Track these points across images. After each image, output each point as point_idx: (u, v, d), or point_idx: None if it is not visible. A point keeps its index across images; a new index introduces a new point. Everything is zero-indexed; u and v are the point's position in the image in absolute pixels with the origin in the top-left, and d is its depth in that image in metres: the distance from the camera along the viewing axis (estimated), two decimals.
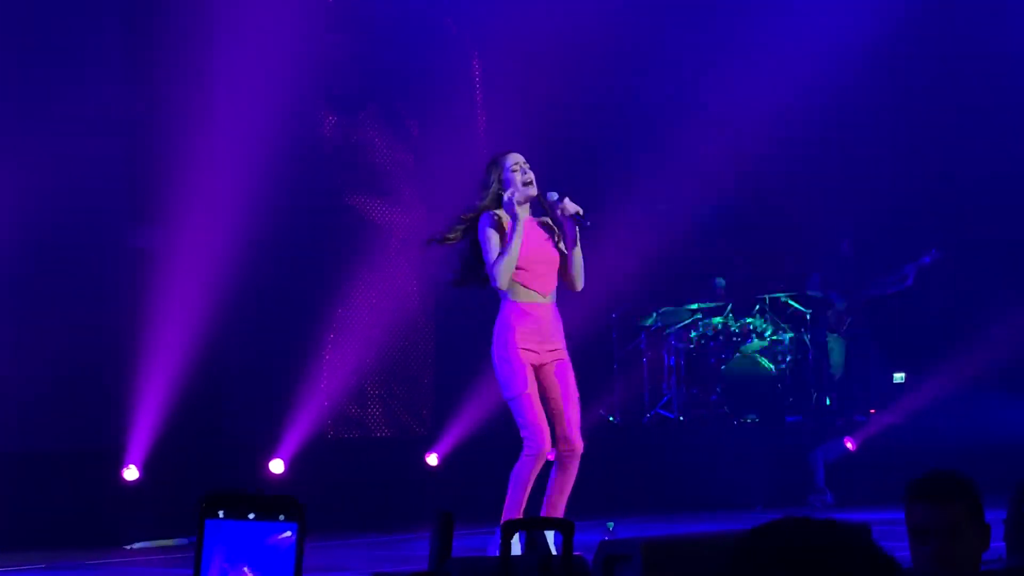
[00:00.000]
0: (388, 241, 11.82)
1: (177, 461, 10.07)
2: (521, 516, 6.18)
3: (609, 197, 11.34)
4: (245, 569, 2.00)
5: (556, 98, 12.30)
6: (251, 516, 2.01)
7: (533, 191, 6.41)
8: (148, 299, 10.17)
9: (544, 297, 6.41)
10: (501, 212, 6.39)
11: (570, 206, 6.41)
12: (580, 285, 6.55)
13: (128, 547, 9.27)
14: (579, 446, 6.39)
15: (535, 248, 6.41)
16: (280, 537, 2.02)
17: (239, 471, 10.41)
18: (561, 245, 6.48)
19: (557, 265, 6.47)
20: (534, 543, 5.23)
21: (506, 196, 6.33)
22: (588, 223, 6.40)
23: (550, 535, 5.53)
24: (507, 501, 6.29)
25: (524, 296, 6.38)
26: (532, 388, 6.33)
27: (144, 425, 9.93)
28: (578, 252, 6.48)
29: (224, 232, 10.46)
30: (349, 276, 11.50)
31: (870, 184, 13.49)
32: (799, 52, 13.21)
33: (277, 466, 10.53)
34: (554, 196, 6.45)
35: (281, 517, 2.02)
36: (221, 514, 2.00)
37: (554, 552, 5.06)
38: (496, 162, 6.49)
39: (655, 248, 12.80)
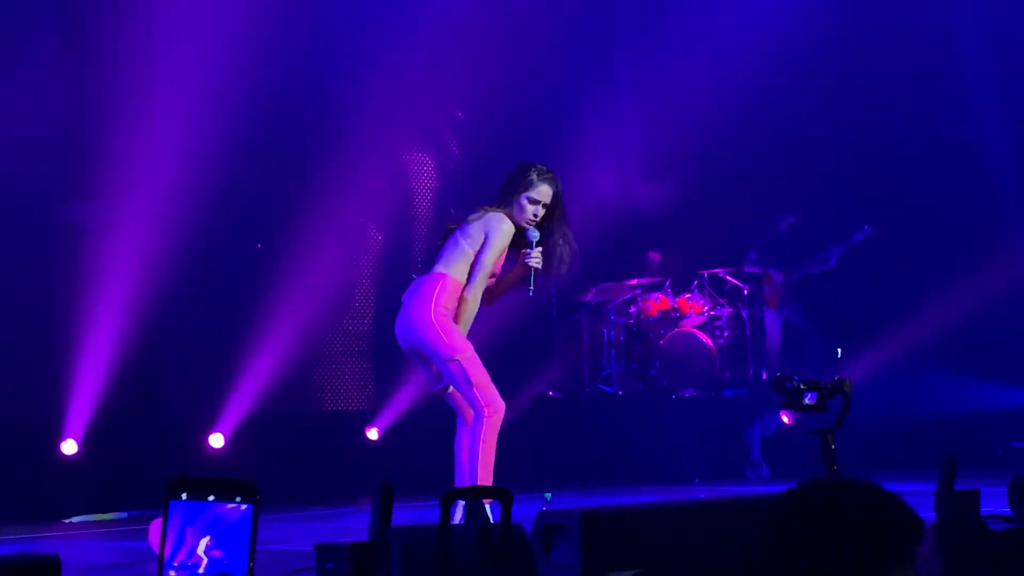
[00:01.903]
0: (328, 216, 11.80)
1: (116, 435, 10.02)
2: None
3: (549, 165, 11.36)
4: (206, 541, 2.19)
5: (494, 79, 12.31)
6: (211, 498, 2.21)
7: (529, 240, 6.37)
8: (85, 274, 10.11)
9: (478, 305, 6.39)
10: (510, 224, 6.34)
11: (533, 259, 6.37)
12: (490, 305, 6.57)
13: (66, 521, 9.24)
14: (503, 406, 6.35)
15: (501, 261, 6.44)
16: (237, 515, 2.20)
17: (179, 445, 10.38)
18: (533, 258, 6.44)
19: (497, 277, 6.49)
20: (474, 512, 5.28)
21: (531, 254, 6.34)
22: (531, 291, 6.37)
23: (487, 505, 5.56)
24: (480, 472, 6.13)
25: (468, 291, 6.36)
26: (471, 347, 6.30)
27: (82, 399, 9.88)
28: (511, 285, 6.50)
29: (161, 207, 10.41)
30: (289, 251, 11.48)
31: (807, 161, 13.62)
32: (737, 30, 13.31)
33: (217, 440, 10.52)
34: (535, 236, 6.39)
35: (238, 499, 2.22)
36: (184, 496, 2.21)
37: (492, 521, 5.11)
38: (528, 178, 6.40)
39: (595, 224, 12.87)
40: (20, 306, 10.08)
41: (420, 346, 6.33)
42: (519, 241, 6.44)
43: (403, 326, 6.39)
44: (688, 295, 12.93)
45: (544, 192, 6.37)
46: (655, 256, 13.49)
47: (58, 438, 9.81)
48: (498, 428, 6.22)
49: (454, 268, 6.34)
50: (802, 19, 13.33)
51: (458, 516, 5.77)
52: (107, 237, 10.23)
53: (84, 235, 10.31)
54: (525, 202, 6.34)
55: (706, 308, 12.90)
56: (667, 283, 13.08)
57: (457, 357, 6.21)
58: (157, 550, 6.80)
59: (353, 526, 7.83)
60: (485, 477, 6.11)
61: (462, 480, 6.17)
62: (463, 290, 6.31)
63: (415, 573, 3.72)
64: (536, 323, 12.64)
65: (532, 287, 6.35)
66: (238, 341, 11.10)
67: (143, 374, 10.39)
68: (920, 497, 4.46)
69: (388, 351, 11.76)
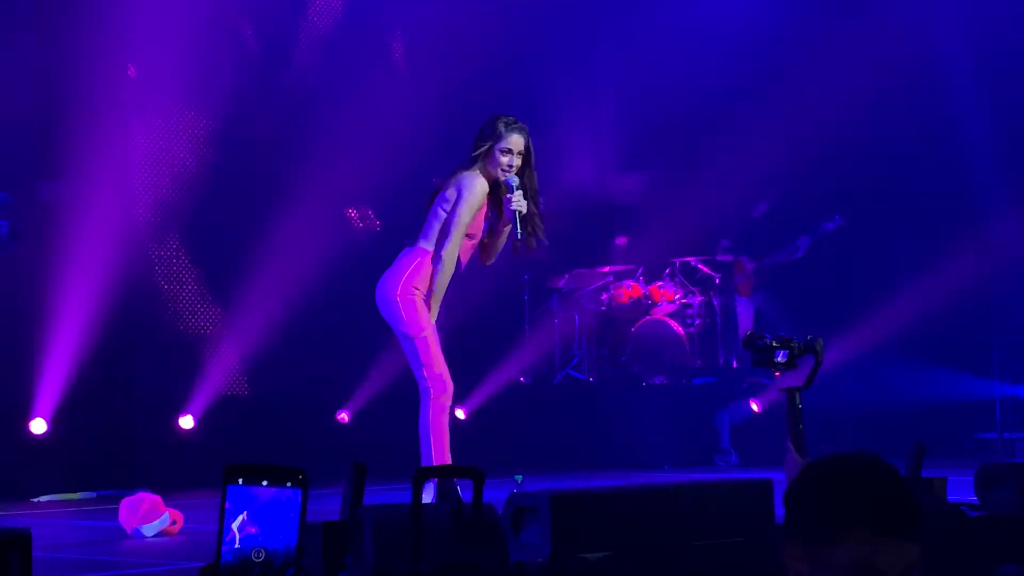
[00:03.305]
0: (303, 197, 11.78)
1: (85, 415, 9.99)
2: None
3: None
4: (241, 517, 2.36)
5: (469, 65, 12.31)
6: (264, 483, 2.36)
7: (509, 186, 6.33)
8: (55, 253, 10.06)
9: (456, 269, 6.38)
10: (483, 177, 6.32)
11: (516, 203, 6.34)
12: (489, 262, 6.59)
13: (35, 500, 9.21)
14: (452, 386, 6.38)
15: (479, 217, 6.38)
16: (281, 497, 2.37)
17: (148, 426, 10.36)
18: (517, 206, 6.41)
19: (477, 240, 6.46)
20: (446, 491, 5.30)
21: (511, 198, 6.31)
22: (519, 235, 6.35)
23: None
24: (434, 453, 6.15)
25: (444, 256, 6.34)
26: (434, 330, 6.33)
27: (52, 378, 9.84)
28: (504, 238, 6.47)
29: (132, 186, 10.37)
30: (260, 233, 11.46)
31: (779, 150, 13.67)
32: (708, 13, 13.34)
33: (187, 422, 10.50)
34: (514, 182, 6.36)
35: (289, 484, 2.37)
36: (240, 481, 2.36)
37: (464, 501, 5.12)
38: (498, 130, 6.37)
39: (568, 211, 12.89)
40: None
41: (384, 316, 6.41)
42: (498, 197, 6.42)
43: (377, 294, 6.46)
44: (660, 283, 12.97)
45: (516, 141, 6.38)
46: (621, 240, 13.52)
47: (27, 417, 9.77)
48: (446, 408, 6.27)
49: (433, 242, 6.36)
50: (775, 9, 13.37)
51: (429, 495, 5.78)
52: (78, 216, 10.18)
53: (55, 213, 10.26)
54: (498, 153, 6.35)
55: (678, 296, 12.94)
56: (639, 271, 13.12)
57: (412, 335, 6.27)
58: (128, 530, 6.76)
59: (325, 508, 7.83)
60: (440, 456, 6.13)
61: (425, 461, 6.20)
62: (438, 249, 6.30)
63: (387, 551, 3.74)
64: (508, 309, 12.67)
65: (520, 231, 6.34)
66: (210, 322, 11.08)
67: (113, 353, 10.35)
68: None
69: (359, 333, 11.76)
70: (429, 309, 6.33)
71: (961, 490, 5.78)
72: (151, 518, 6.60)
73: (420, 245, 6.37)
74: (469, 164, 6.39)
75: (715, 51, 13.18)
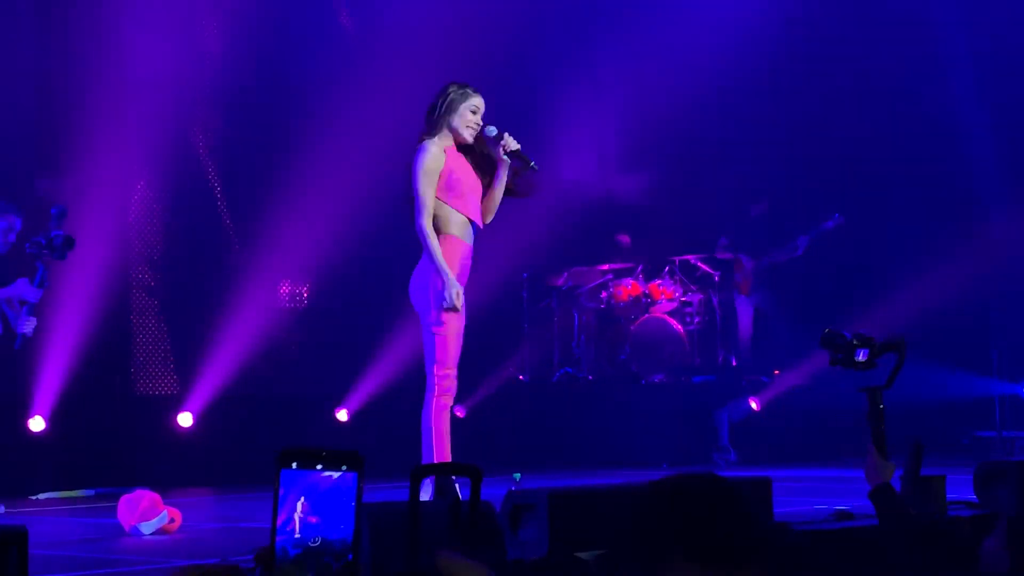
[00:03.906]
0: (300, 193, 11.77)
1: (84, 412, 9.99)
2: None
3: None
4: (300, 505, 2.30)
5: (470, 64, 12.30)
6: (319, 467, 2.30)
7: (490, 136, 6.30)
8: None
9: (473, 231, 6.32)
10: (439, 143, 6.28)
11: (512, 143, 6.32)
12: (489, 219, 6.46)
13: (34, 497, 9.20)
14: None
15: (464, 177, 6.30)
16: (338, 483, 2.30)
17: (147, 424, 10.36)
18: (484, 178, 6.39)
19: (480, 194, 6.39)
20: (443, 489, 5.29)
21: (498, 136, 6.27)
22: (534, 165, 6.34)
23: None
24: (435, 450, 6.13)
25: (459, 230, 6.28)
26: (459, 332, 6.28)
27: (51, 376, 9.84)
28: (501, 189, 6.41)
29: (132, 183, 10.36)
30: (260, 230, 11.45)
31: (778, 148, 13.67)
32: (709, 13, 13.33)
33: (186, 419, 10.49)
34: (492, 131, 6.33)
35: (344, 467, 2.30)
36: (295, 465, 2.29)
37: (462, 498, 5.12)
38: (463, 91, 6.31)
39: (568, 209, 12.89)
40: None
41: (414, 304, 6.34)
42: (483, 153, 6.37)
43: (412, 281, 6.37)
44: (659, 281, 12.96)
45: (480, 102, 6.35)
46: (624, 239, 13.50)
47: (25, 414, 9.76)
48: (447, 407, 6.25)
49: (447, 226, 6.29)
50: (775, 7, 13.36)
51: (427, 493, 5.77)
52: (79, 211, 10.16)
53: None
54: (468, 113, 6.31)
55: (677, 294, 12.93)
56: (639, 269, 13.11)
57: (435, 330, 6.23)
58: (126, 528, 6.75)
59: None
60: (440, 454, 6.11)
61: (425, 458, 6.19)
62: (415, 225, 6.27)
63: (384, 548, 3.73)
64: (507, 306, 12.66)
65: (533, 162, 6.32)
66: (209, 320, 11.07)
67: (113, 351, 10.35)
68: (889, 483, 4.50)
69: (358, 332, 11.77)
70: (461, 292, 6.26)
71: (960, 488, 5.78)
72: (150, 516, 6.59)
73: (440, 233, 6.28)
74: (428, 133, 6.32)
75: (714, 51, 13.17)
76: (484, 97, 6.40)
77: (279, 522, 2.27)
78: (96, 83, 10.34)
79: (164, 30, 10.69)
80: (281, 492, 2.28)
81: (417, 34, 12.10)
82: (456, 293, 6.15)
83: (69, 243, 7.79)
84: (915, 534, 4.18)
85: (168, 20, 10.71)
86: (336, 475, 2.31)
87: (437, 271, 6.18)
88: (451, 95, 6.30)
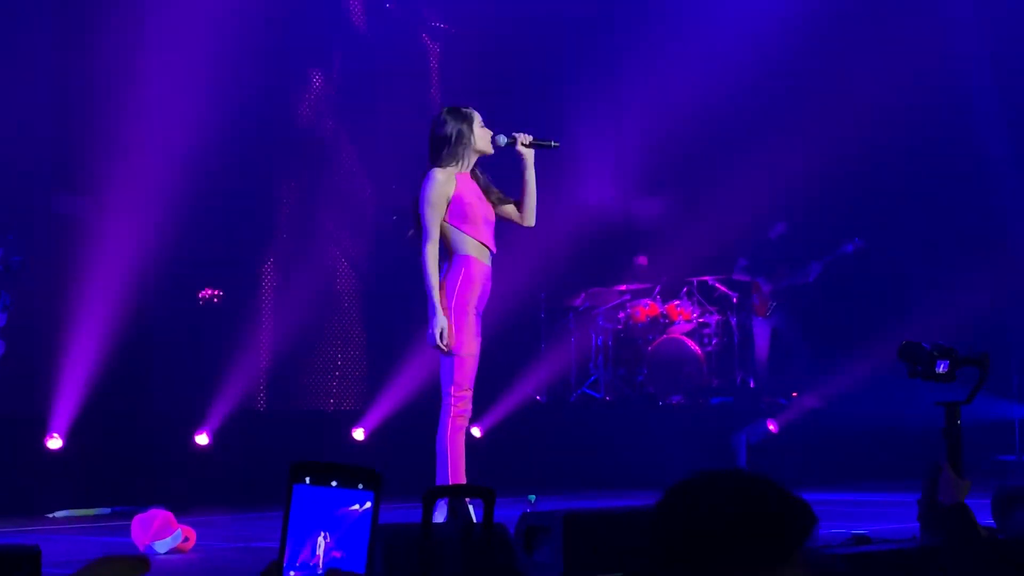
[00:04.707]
0: (319, 212, 11.79)
1: (101, 431, 9.98)
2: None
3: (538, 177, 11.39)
4: (324, 535, 2.14)
5: (488, 84, 12.33)
6: (333, 483, 2.15)
7: (502, 144, 6.36)
8: (74, 266, 10.07)
9: (490, 254, 6.33)
10: (448, 171, 6.28)
11: (525, 137, 6.37)
12: (533, 219, 6.48)
13: (49, 516, 9.20)
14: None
15: (476, 203, 6.31)
16: (358, 513, 2.14)
17: (164, 442, 10.35)
18: (494, 198, 6.41)
19: (494, 223, 6.40)
20: (457, 511, 5.27)
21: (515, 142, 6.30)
22: (555, 143, 6.37)
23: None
24: (450, 472, 6.11)
25: (476, 251, 6.28)
26: (474, 354, 6.27)
27: (68, 394, 9.83)
28: (533, 185, 6.41)
29: (152, 200, 10.37)
30: (278, 247, 11.46)
31: (798, 170, 13.64)
32: (727, 35, 13.33)
33: (203, 438, 10.49)
34: (503, 140, 6.36)
35: (360, 485, 2.15)
36: (308, 480, 2.15)
37: (475, 520, 5.10)
38: (466, 112, 6.35)
39: (585, 230, 12.88)
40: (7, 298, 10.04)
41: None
42: (487, 189, 6.40)
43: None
44: (677, 302, 12.93)
45: (478, 115, 6.40)
46: (642, 260, 13.48)
47: (43, 432, 9.76)
48: (463, 429, 6.24)
49: (459, 247, 6.32)
50: (793, 27, 13.35)
51: (442, 515, 5.76)
52: (97, 229, 10.20)
53: (73, 227, 10.28)
54: (480, 130, 6.35)
55: (695, 315, 12.89)
56: (656, 289, 13.08)
57: (452, 352, 6.22)
58: (140, 547, 6.75)
59: None
60: (455, 475, 6.10)
61: (440, 479, 6.17)
62: (453, 246, 6.28)
63: (397, 571, 3.71)
64: (524, 327, 12.63)
65: (552, 141, 6.40)
66: (227, 338, 11.07)
67: (130, 369, 10.35)
68: (904, 508, 4.46)
69: (376, 350, 11.76)
70: (474, 308, 6.26)
71: (978, 513, 5.73)
72: (163, 535, 6.59)
73: (456, 254, 6.34)
74: (440, 163, 6.32)
75: (733, 71, 13.16)
76: (503, 117, 6.46)
77: (301, 559, 2.17)
78: (116, 95, 10.36)
79: (184, 38, 10.71)
80: (292, 509, 2.16)
81: (438, 58, 12.14)
82: (441, 332, 6.13)
83: (23, 266, 7.81)
84: (984, 557, 4.10)
85: (189, 27, 10.73)
86: (352, 493, 2.23)
87: (431, 301, 6.18)
88: (457, 125, 6.32)
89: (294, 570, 2.12)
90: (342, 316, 12.12)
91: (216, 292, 11.19)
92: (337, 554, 2.13)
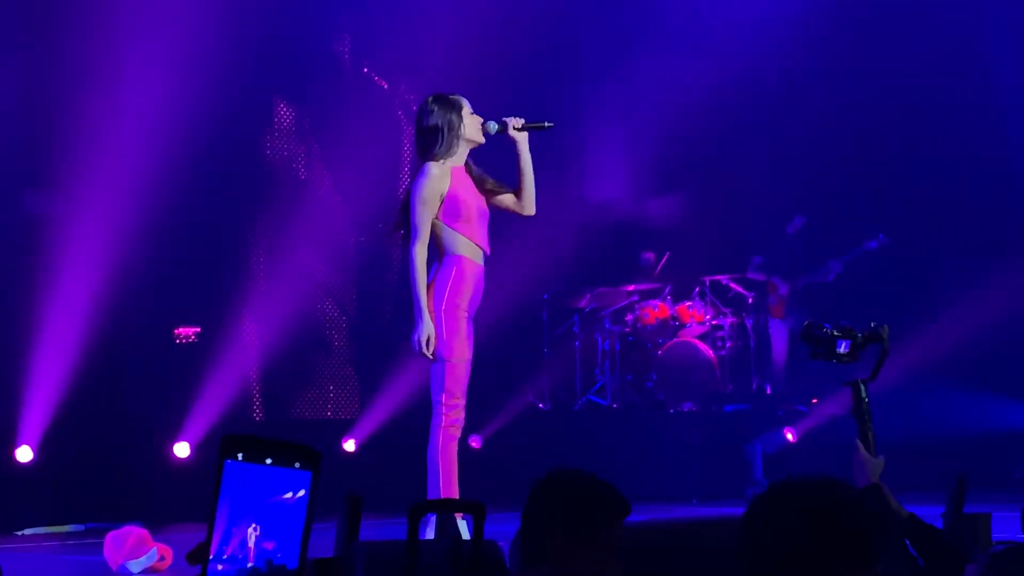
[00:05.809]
0: (303, 214, 11.75)
1: (74, 442, 9.95)
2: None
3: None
4: (254, 527, 2.09)
5: (500, 92, 12.31)
6: (268, 461, 2.10)
7: (492, 132, 6.37)
8: (44, 268, 10.03)
9: (483, 254, 6.32)
10: (443, 165, 6.26)
11: (516, 121, 6.36)
12: (533, 208, 6.49)
13: (18, 533, 9.16)
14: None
15: (471, 199, 6.30)
16: (291, 495, 2.09)
17: (141, 454, 10.32)
18: (489, 188, 6.39)
19: (488, 219, 6.39)
20: (445, 527, 5.22)
21: (509, 126, 6.29)
22: (549, 124, 6.39)
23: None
24: (442, 484, 6.10)
25: (469, 251, 6.27)
26: (467, 360, 6.24)
27: (39, 403, 9.80)
28: (529, 169, 6.41)
29: (125, 199, 10.33)
30: (260, 253, 11.43)
31: (816, 164, 13.61)
32: (742, 32, 13.31)
33: (182, 449, 10.45)
34: (494, 127, 6.36)
35: (297, 465, 2.11)
36: (240, 456, 2.09)
37: (466, 536, 5.05)
38: (453, 100, 6.34)
39: (592, 227, 12.85)
40: None
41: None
42: (480, 183, 6.39)
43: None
44: (689, 303, 12.88)
45: (466, 101, 6.40)
46: (650, 255, 13.43)
47: (12, 444, 9.73)
48: (452, 441, 6.21)
49: (452, 247, 6.29)
50: (811, 21, 13.33)
51: (429, 531, 5.71)
52: (68, 229, 10.16)
53: (44, 227, 10.24)
54: (470, 119, 6.33)
55: (708, 317, 12.85)
56: (666, 290, 13.04)
57: (443, 357, 6.20)
58: (114, 566, 6.69)
59: (321, 543, 7.77)
60: (447, 487, 6.05)
61: (431, 491, 6.13)
62: (445, 247, 6.27)
63: None
64: (525, 329, 12.60)
65: (546, 122, 6.43)
66: (206, 344, 11.03)
67: (104, 377, 10.31)
68: (928, 521, 4.41)
69: (365, 359, 11.73)
70: (465, 310, 6.23)
71: (1007, 527, 5.68)
72: (138, 554, 6.55)
73: (447, 254, 6.30)
74: (431, 157, 6.30)
75: (749, 67, 13.16)
76: (509, 111, 6.47)
77: (228, 552, 2.08)
78: (87, 91, 10.34)
79: (157, 33, 10.69)
80: (221, 490, 2.08)
81: (446, 57, 12.11)
82: (427, 339, 6.10)
83: None
84: (903, 537, 4.15)
85: (162, 22, 10.71)
86: (288, 472, 2.13)
87: (417, 305, 6.16)
88: (445, 115, 6.31)
89: (221, 563, 2.05)
90: (332, 320, 12.09)
91: (195, 330, 11.21)
92: (268, 545, 2.05)
